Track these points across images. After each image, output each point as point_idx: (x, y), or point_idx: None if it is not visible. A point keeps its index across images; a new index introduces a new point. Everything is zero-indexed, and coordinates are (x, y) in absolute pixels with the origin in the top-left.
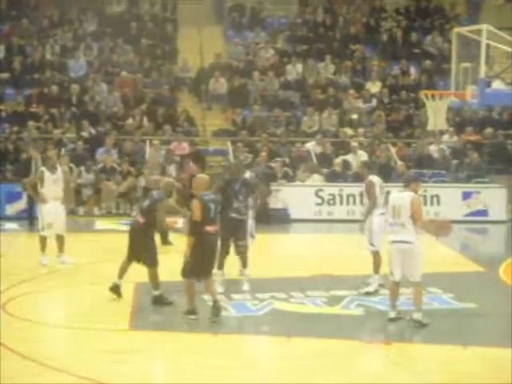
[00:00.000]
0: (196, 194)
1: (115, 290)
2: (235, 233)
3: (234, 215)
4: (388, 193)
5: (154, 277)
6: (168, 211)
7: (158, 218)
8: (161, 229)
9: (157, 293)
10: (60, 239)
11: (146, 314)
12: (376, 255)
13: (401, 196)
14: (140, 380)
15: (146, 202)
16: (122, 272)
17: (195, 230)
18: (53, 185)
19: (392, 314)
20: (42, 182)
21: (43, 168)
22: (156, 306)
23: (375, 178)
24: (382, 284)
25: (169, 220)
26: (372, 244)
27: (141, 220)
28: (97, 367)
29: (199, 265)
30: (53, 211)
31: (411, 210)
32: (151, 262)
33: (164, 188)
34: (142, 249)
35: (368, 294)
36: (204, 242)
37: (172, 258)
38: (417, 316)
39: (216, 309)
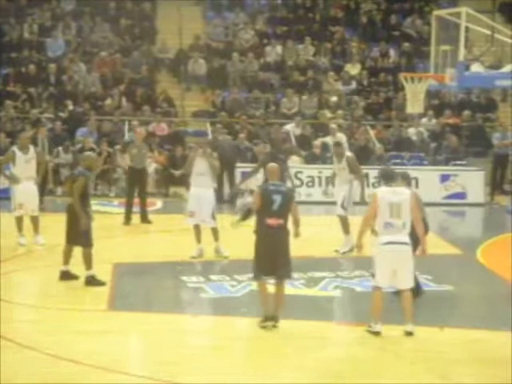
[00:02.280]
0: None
1: (65, 277)
2: None
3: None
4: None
5: (87, 257)
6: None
7: (75, 189)
8: (74, 203)
9: (89, 273)
10: (34, 220)
11: (125, 294)
12: (344, 218)
13: (399, 193)
14: (115, 359)
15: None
16: (66, 257)
17: (258, 222)
18: (25, 165)
19: (378, 328)
20: (13, 162)
21: (15, 148)
22: (89, 287)
23: (348, 152)
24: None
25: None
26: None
27: (69, 201)
28: (72, 346)
29: (263, 261)
30: (25, 191)
31: (411, 207)
32: (84, 243)
33: (84, 162)
34: (73, 229)
35: (344, 253)
36: (264, 235)
37: (148, 238)
38: (410, 328)
39: (275, 317)
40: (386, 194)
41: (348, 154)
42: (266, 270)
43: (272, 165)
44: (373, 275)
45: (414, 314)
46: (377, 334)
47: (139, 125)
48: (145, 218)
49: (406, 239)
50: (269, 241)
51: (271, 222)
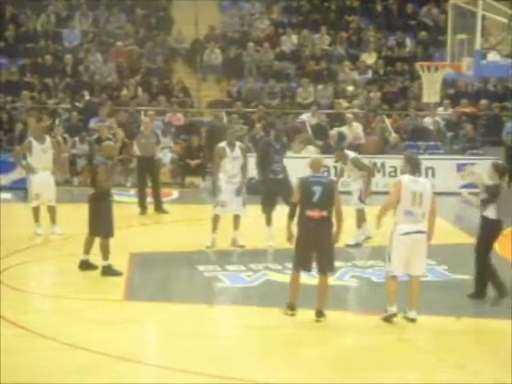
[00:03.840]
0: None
1: (84, 266)
2: (276, 193)
3: (271, 176)
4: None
5: (104, 247)
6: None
7: (98, 179)
8: (100, 189)
9: (105, 263)
10: (51, 210)
11: (141, 284)
12: (361, 212)
13: (420, 182)
14: (131, 349)
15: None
16: (87, 247)
17: (299, 215)
18: (42, 155)
19: (394, 310)
20: (30, 152)
21: (31, 138)
22: (106, 277)
23: (351, 153)
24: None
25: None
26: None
27: (91, 191)
28: (89, 336)
29: (302, 254)
30: (41, 181)
31: (431, 200)
32: (104, 233)
33: (102, 150)
34: (94, 219)
35: (349, 246)
36: (305, 227)
37: (164, 227)
38: (413, 315)
39: (319, 312)
40: (410, 182)
41: (351, 155)
42: (304, 264)
43: (314, 157)
44: (388, 262)
45: (420, 302)
46: (393, 316)
47: (150, 115)
48: (159, 208)
49: (423, 228)
50: (309, 233)
51: (312, 213)
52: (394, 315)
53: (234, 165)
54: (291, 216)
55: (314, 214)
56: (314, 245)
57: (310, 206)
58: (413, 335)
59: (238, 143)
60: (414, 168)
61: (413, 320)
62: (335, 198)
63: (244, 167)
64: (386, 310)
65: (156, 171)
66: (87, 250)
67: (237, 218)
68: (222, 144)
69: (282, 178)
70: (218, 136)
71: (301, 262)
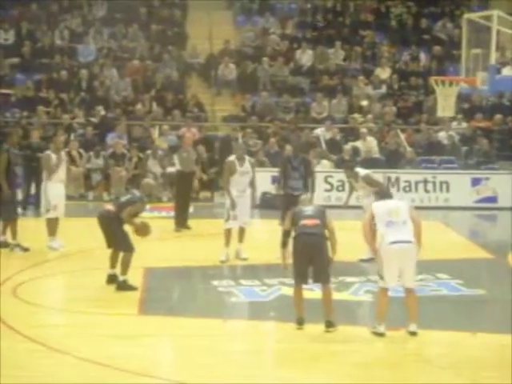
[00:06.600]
0: None
1: (111, 280)
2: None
3: (288, 191)
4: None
5: (125, 262)
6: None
7: (129, 211)
8: (125, 221)
9: (122, 278)
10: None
11: (155, 299)
12: None
13: (394, 199)
14: (146, 364)
15: (126, 197)
16: (113, 261)
17: (294, 230)
18: (59, 168)
19: (382, 329)
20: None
21: (49, 151)
22: (121, 292)
23: (362, 171)
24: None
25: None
26: None
27: (111, 208)
28: (104, 351)
29: (299, 264)
30: (59, 194)
31: (409, 211)
32: (125, 248)
33: (143, 188)
34: (112, 235)
35: (363, 261)
36: (300, 235)
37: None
38: (413, 328)
39: (328, 322)
40: (381, 204)
41: (362, 172)
42: (302, 276)
43: (303, 196)
44: (381, 276)
45: (418, 314)
46: (381, 335)
47: (188, 129)
48: (183, 224)
49: (411, 237)
50: (305, 240)
51: (306, 221)
52: (382, 335)
53: (244, 179)
54: (284, 244)
55: (309, 221)
56: (310, 253)
57: (304, 217)
58: (427, 350)
59: (247, 158)
60: (383, 196)
61: (413, 333)
62: (327, 218)
63: (253, 181)
64: (375, 327)
65: (192, 187)
66: (113, 264)
67: (242, 231)
68: (232, 158)
69: (299, 195)
70: (230, 150)
71: (298, 274)
